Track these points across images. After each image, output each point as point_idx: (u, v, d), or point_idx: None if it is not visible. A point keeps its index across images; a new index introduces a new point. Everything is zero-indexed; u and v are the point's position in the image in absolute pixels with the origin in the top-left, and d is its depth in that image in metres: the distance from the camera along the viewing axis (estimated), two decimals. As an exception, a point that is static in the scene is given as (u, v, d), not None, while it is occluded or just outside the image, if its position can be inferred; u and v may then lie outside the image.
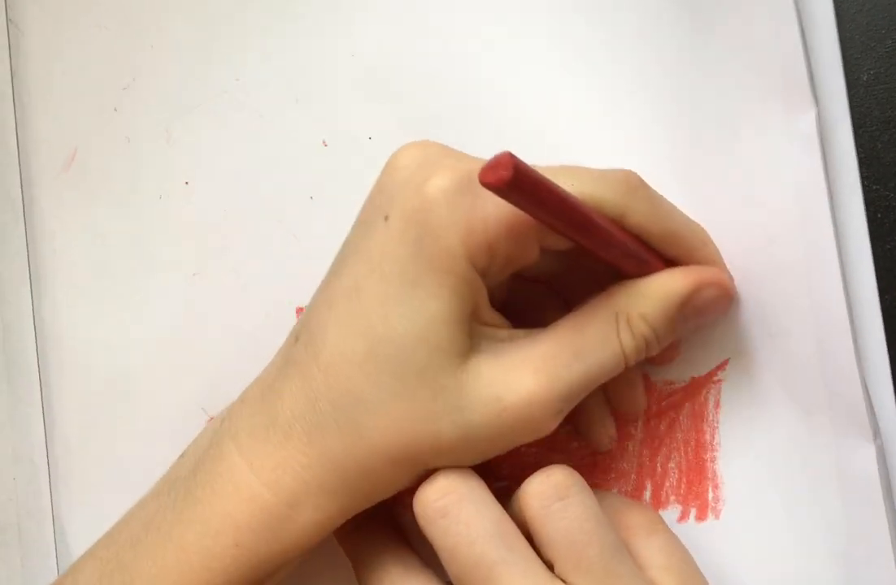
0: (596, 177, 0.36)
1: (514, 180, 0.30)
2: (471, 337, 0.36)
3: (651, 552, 0.36)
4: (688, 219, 0.39)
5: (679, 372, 0.42)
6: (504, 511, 0.36)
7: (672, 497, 0.41)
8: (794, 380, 0.40)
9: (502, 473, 0.43)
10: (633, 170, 0.41)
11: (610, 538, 0.35)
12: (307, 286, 0.46)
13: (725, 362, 0.41)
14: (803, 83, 0.40)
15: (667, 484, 0.41)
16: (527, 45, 0.44)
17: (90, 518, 0.47)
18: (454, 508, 0.35)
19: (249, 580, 0.37)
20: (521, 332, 0.37)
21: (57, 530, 0.47)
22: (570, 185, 0.35)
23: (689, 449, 0.41)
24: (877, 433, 0.39)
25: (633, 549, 0.37)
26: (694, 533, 0.40)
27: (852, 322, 0.39)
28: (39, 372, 0.48)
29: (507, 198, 0.32)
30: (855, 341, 0.39)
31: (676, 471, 0.41)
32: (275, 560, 0.37)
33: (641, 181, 0.37)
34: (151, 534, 0.38)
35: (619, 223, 0.36)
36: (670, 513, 0.41)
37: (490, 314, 0.37)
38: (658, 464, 0.41)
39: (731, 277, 0.39)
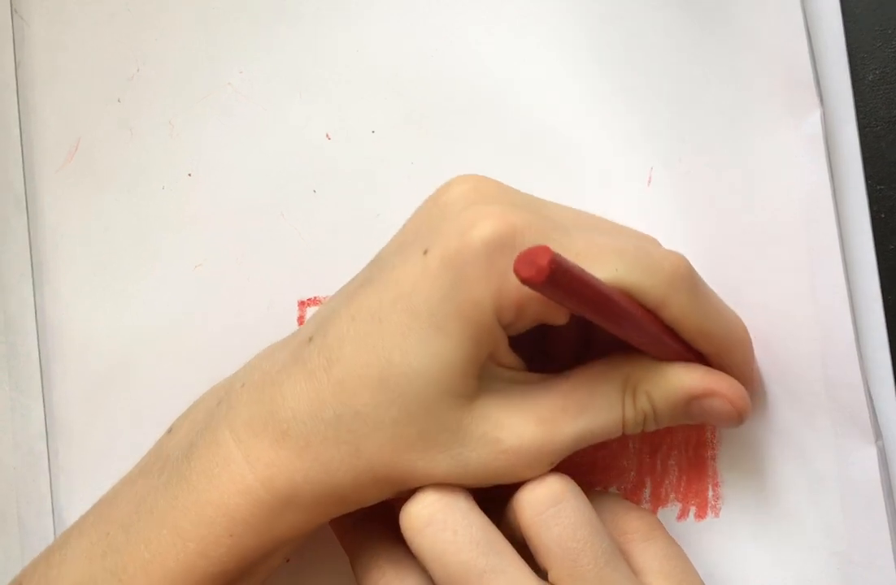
0: (643, 265, 0.35)
1: (550, 279, 0.30)
2: (484, 378, 0.36)
3: (647, 557, 0.37)
4: (729, 318, 0.39)
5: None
6: (489, 520, 0.36)
7: (672, 495, 0.41)
8: (795, 380, 0.40)
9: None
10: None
11: (604, 544, 0.35)
12: (309, 279, 0.46)
13: (726, 360, 0.41)
14: (809, 83, 0.40)
15: (666, 481, 0.41)
16: (529, 43, 0.44)
17: (89, 507, 0.47)
18: (440, 516, 0.35)
19: (243, 566, 0.37)
20: (535, 377, 0.37)
21: (56, 519, 0.47)
22: (613, 270, 0.35)
23: (690, 446, 0.41)
24: (878, 434, 0.39)
25: (629, 554, 0.37)
26: (693, 532, 0.41)
27: (855, 322, 0.39)
28: (41, 362, 0.48)
29: (539, 292, 0.32)
30: (857, 341, 0.39)
31: (676, 469, 0.41)
32: (267, 548, 0.37)
33: (690, 272, 0.37)
34: (144, 517, 0.38)
35: (655, 313, 0.36)
36: (670, 511, 0.41)
37: (507, 356, 0.37)
38: (658, 462, 0.41)
39: (746, 394, 0.38)
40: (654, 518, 0.38)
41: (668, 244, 0.40)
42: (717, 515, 0.41)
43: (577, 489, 0.36)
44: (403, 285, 0.35)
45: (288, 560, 0.44)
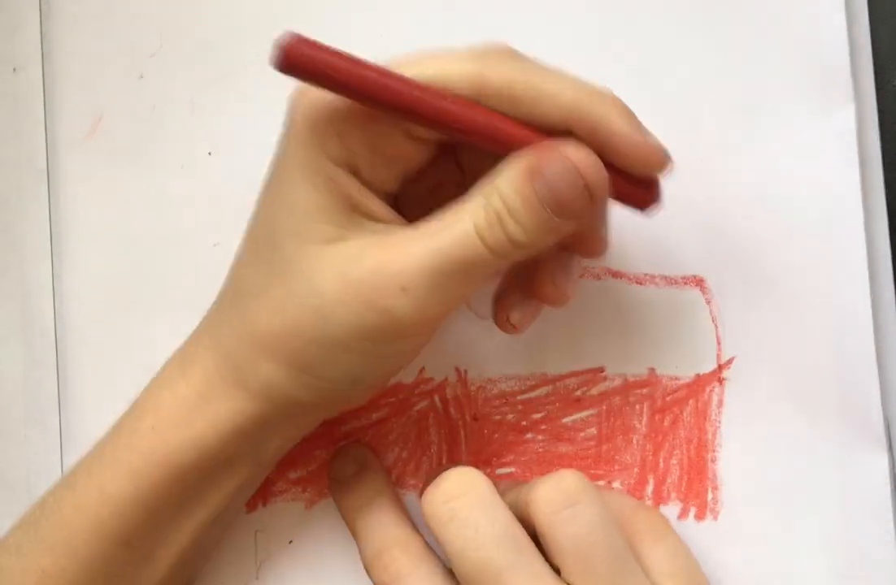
0: (449, 55, 0.35)
1: (287, 61, 0.33)
2: (346, 228, 0.36)
3: (657, 557, 0.37)
4: (565, 79, 0.35)
5: (684, 368, 0.42)
6: (513, 516, 0.36)
7: (673, 494, 0.42)
8: (804, 384, 0.40)
9: (507, 460, 0.43)
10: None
11: (618, 545, 0.36)
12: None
13: (731, 360, 0.41)
14: (845, 77, 0.40)
15: (668, 480, 0.42)
16: (540, 25, 0.44)
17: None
18: (463, 511, 0.36)
19: (167, 464, 0.38)
20: (405, 225, 0.37)
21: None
22: (420, 69, 0.35)
23: (691, 447, 0.41)
24: (892, 443, 0.39)
25: (639, 554, 0.37)
26: (693, 532, 0.41)
27: (876, 325, 0.40)
28: (56, 334, 0.48)
29: (301, 79, 0.34)
30: (878, 347, 0.39)
31: (678, 469, 0.42)
32: (188, 448, 0.38)
33: (506, 48, 0.36)
34: (116, 424, 0.41)
35: (476, 99, 0.34)
36: (671, 510, 0.42)
37: (376, 208, 0.37)
38: (661, 460, 0.42)
39: (595, 157, 0.34)
40: (664, 518, 0.39)
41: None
42: (715, 518, 0.41)
43: (594, 488, 0.36)
44: (272, 163, 0.38)
45: (291, 542, 0.44)
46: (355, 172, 0.36)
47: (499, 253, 0.34)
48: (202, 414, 0.38)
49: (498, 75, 0.34)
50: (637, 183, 0.35)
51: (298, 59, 0.33)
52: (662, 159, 0.35)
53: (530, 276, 0.38)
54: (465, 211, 0.35)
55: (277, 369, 0.37)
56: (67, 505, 0.39)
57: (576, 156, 0.33)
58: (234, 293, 0.38)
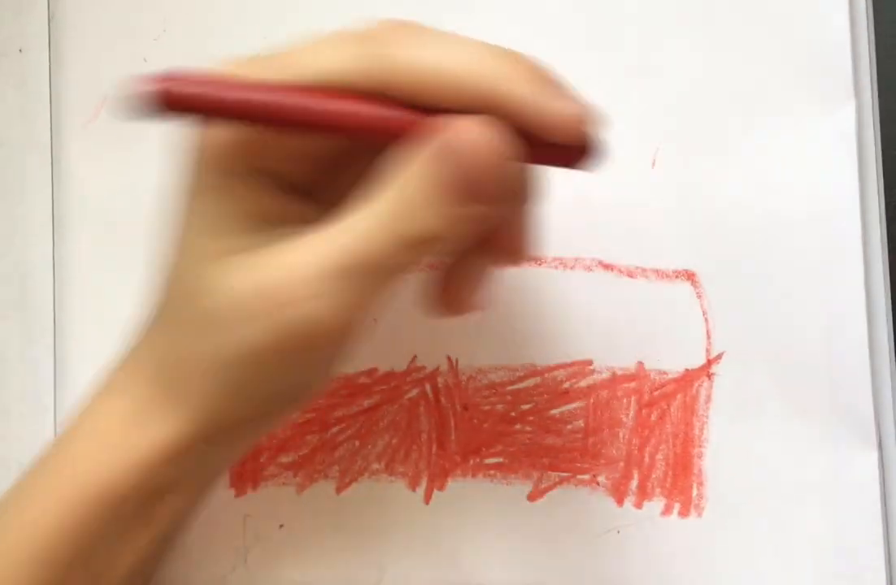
0: (327, 51, 0.32)
1: (160, 101, 0.31)
2: (255, 236, 0.33)
3: None
4: (479, 55, 0.32)
5: (673, 362, 0.42)
6: None
7: (657, 490, 0.42)
8: (793, 380, 0.40)
9: (495, 450, 0.43)
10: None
11: None
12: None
13: (720, 355, 0.41)
14: (846, 75, 0.40)
15: (653, 475, 0.42)
16: (540, 17, 0.44)
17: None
18: None
19: (101, 491, 0.36)
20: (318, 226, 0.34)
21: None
22: (310, 68, 0.32)
23: (678, 442, 0.42)
24: (881, 441, 0.39)
25: None
26: (676, 529, 0.41)
27: (868, 322, 0.40)
28: (54, 316, 0.48)
29: (167, 113, 0.32)
30: (870, 344, 0.39)
31: (663, 464, 0.42)
32: (123, 473, 0.36)
33: (398, 27, 0.32)
34: (48, 449, 0.39)
35: (372, 92, 0.31)
36: (655, 505, 0.42)
37: (289, 211, 0.34)
38: (646, 455, 0.42)
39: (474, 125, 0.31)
40: None
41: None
42: (700, 515, 0.41)
43: None
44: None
45: (281, 527, 0.45)
46: (264, 175, 0.34)
47: (406, 248, 0.31)
48: (138, 438, 0.36)
49: (390, 65, 0.31)
50: (564, 146, 0.32)
51: (168, 95, 0.31)
52: (576, 121, 0.31)
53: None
54: (367, 205, 0.32)
55: (203, 390, 0.35)
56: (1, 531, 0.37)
57: (477, 129, 0.31)
58: (156, 316, 0.37)
